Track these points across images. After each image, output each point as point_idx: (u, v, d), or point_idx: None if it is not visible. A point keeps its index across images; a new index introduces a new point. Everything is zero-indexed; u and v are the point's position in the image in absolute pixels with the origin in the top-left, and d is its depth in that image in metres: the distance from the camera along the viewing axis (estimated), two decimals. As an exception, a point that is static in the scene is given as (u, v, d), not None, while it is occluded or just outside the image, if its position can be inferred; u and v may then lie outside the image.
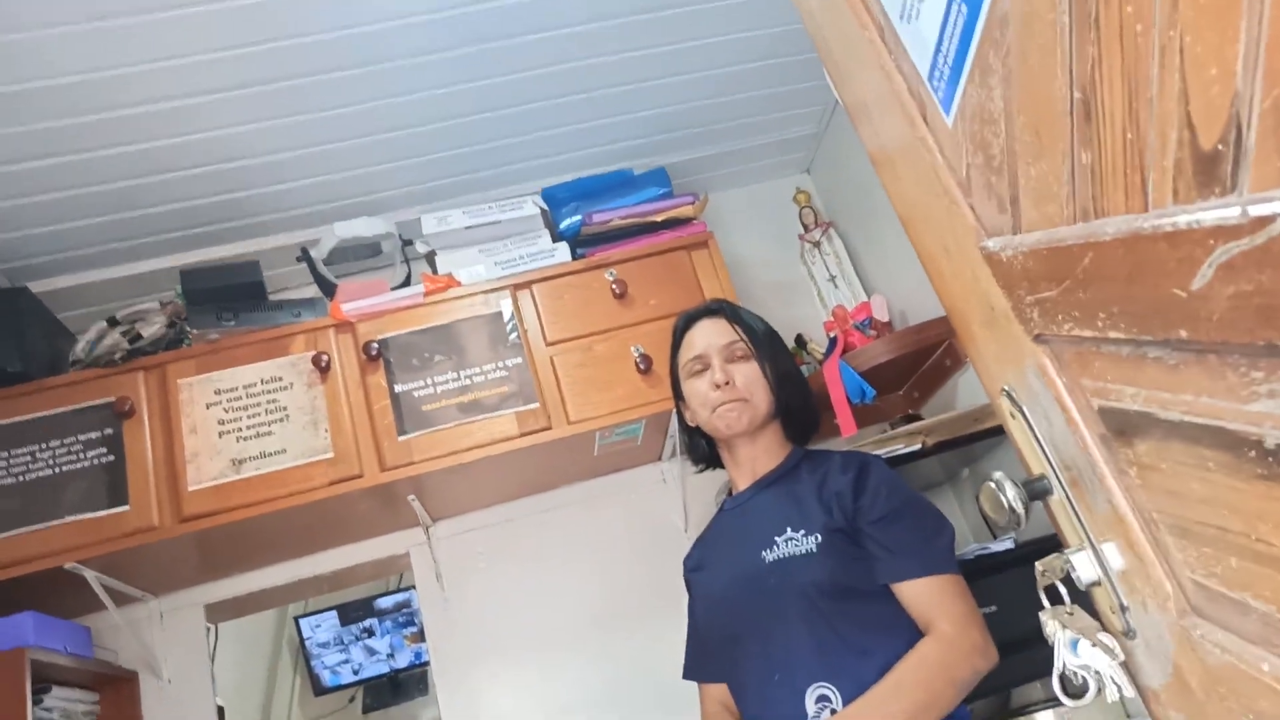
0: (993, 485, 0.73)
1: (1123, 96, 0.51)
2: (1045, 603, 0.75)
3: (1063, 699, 0.71)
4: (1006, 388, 0.79)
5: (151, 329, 2.15)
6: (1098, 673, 0.69)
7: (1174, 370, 0.55)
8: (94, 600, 2.04)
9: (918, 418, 2.32)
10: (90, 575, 1.96)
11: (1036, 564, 0.73)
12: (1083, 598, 0.75)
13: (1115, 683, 0.69)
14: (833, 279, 2.63)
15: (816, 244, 2.69)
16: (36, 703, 1.84)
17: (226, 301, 2.18)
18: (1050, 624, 0.73)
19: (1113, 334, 0.59)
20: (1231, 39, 0.42)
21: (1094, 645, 0.70)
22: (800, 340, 2.53)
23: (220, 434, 2.02)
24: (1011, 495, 0.72)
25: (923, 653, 1.30)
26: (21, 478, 1.97)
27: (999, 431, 1.89)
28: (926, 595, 1.34)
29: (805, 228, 2.73)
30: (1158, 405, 0.57)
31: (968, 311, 0.82)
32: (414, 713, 4.41)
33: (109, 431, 2.02)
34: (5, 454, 1.99)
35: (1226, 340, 0.48)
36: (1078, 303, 0.61)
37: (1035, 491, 0.75)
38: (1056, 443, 0.73)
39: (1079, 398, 0.68)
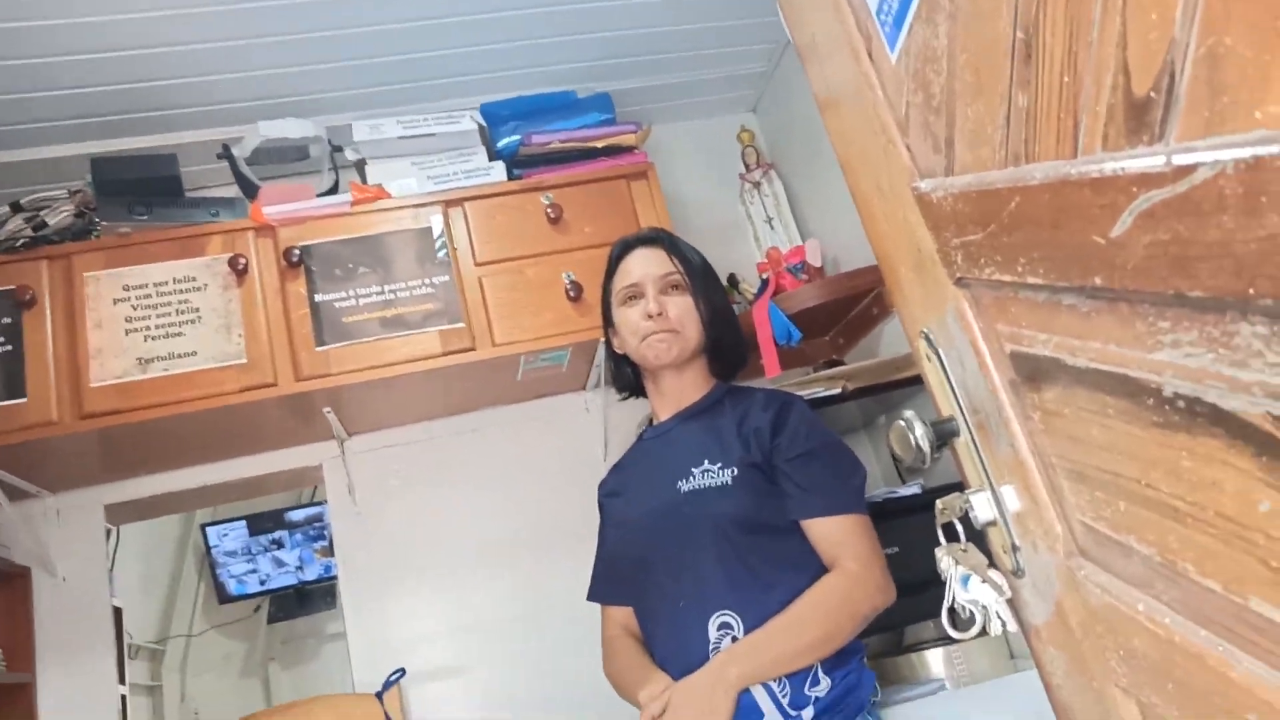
0: (902, 424, 0.74)
1: (1064, 38, 0.51)
2: (942, 539, 0.78)
3: (950, 631, 0.73)
4: (925, 330, 0.80)
5: (58, 217, 2.04)
6: (984, 608, 0.72)
7: (1086, 318, 0.56)
8: (-13, 495, 1.97)
9: (841, 363, 2.36)
10: (-17, 468, 1.89)
11: (937, 502, 0.75)
12: (978, 537, 0.78)
13: (1000, 618, 0.71)
14: (769, 221, 2.63)
15: (756, 185, 2.68)
16: (-80, 594, 1.79)
17: (140, 194, 2.08)
18: (944, 559, 0.76)
19: (1031, 279, 0.59)
20: (1175, -17, 0.42)
21: (983, 581, 0.72)
22: (733, 279, 2.54)
23: (127, 331, 1.94)
24: (919, 434, 0.73)
25: (826, 586, 1.34)
26: (-90, 362, 1.87)
27: (918, 381, 1.94)
28: (835, 533, 1.38)
29: (747, 167, 2.72)
30: (1067, 352, 0.59)
31: (896, 254, 0.83)
32: (320, 625, 4.42)
33: (7, 321, 1.93)
34: (-107, 336, 1.89)
35: (1139, 289, 0.49)
36: (1001, 247, 0.62)
37: (943, 433, 0.77)
38: (968, 386, 0.75)
39: (993, 342, 0.69)
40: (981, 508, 0.74)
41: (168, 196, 2.11)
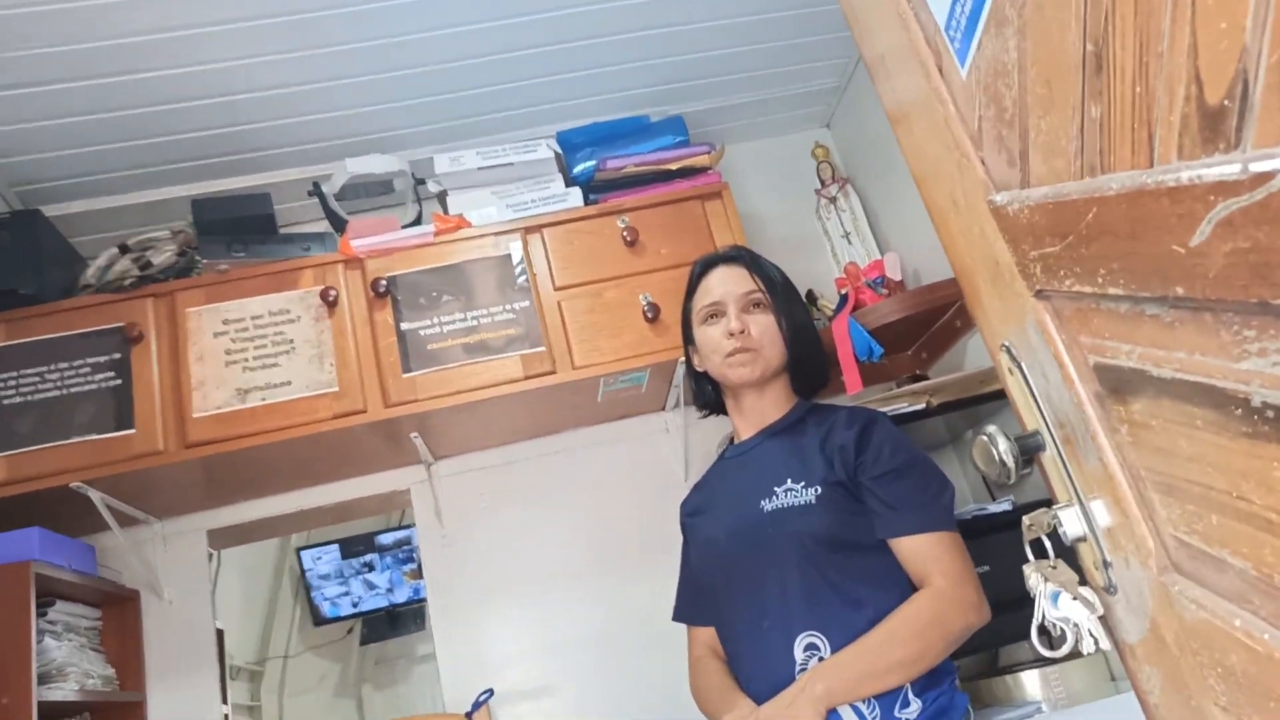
0: (985, 439, 0.73)
1: (1134, 50, 0.51)
2: (1030, 555, 0.76)
3: (1041, 650, 0.72)
4: (1007, 343, 0.79)
5: (162, 257, 2.16)
6: (1076, 625, 0.71)
7: (1169, 328, 0.55)
8: (99, 520, 2.08)
9: (924, 378, 2.32)
10: (95, 496, 2.00)
11: (1024, 518, 0.74)
12: (1068, 553, 0.77)
13: (1092, 636, 0.70)
14: (847, 235, 2.62)
15: (833, 200, 2.67)
16: (41, 614, 1.88)
17: (237, 233, 2.18)
18: (1033, 576, 0.75)
19: (1112, 290, 0.59)
20: (1244, -9, 0.41)
21: (1074, 599, 0.71)
22: (811, 296, 2.53)
23: (227, 363, 2.04)
24: (1003, 449, 0.72)
25: (917, 605, 1.32)
26: (30, 397, 2.00)
27: (1004, 394, 1.91)
28: (924, 551, 1.35)
29: (822, 183, 2.71)
30: (1152, 363, 0.58)
31: (974, 267, 0.82)
32: (410, 646, 4.50)
33: (117, 356, 2.04)
34: (15, 374, 2.01)
35: (1221, 298, 0.48)
36: (1080, 258, 0.61)
37: (1028, 447, 0.76)
38: (1052, 399, 0.74)
39: (1076, 354, 0.68)
40: (1071, 523, 0.73)
41: (263, 234, 2.21)
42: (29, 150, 2.13)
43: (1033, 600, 0.78)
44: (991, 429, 0.73)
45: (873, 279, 2.32)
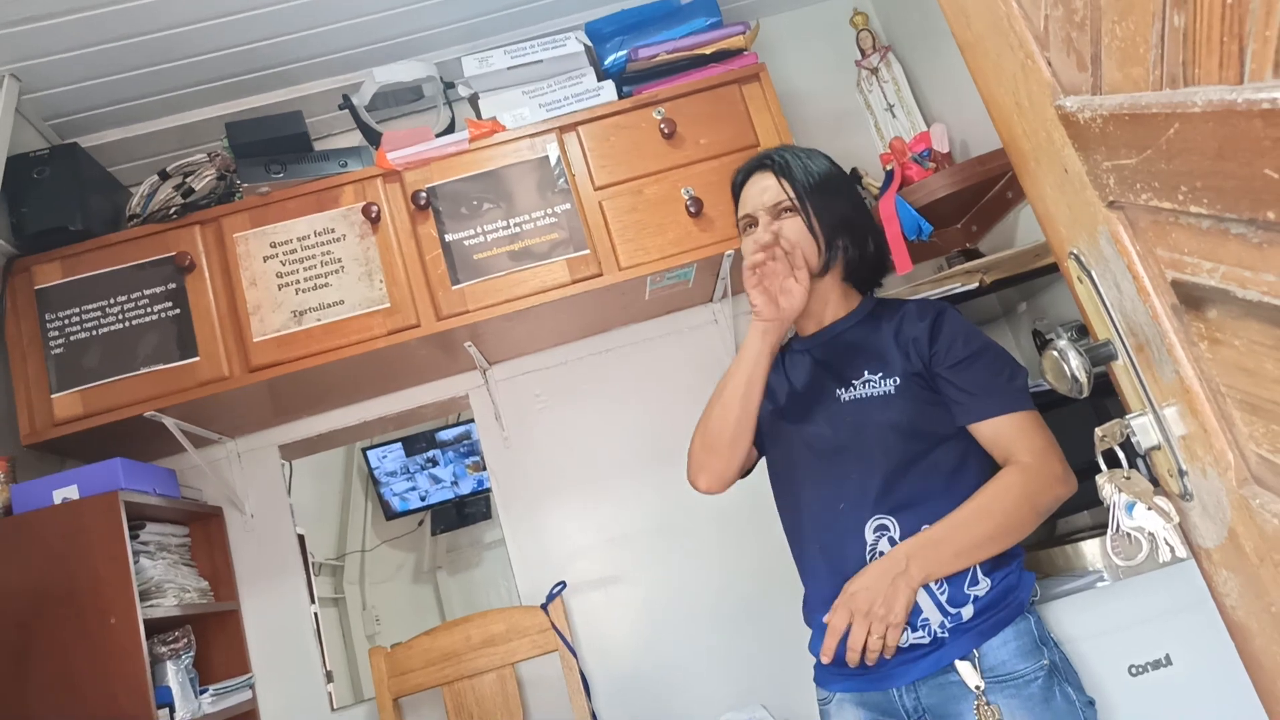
0: (1055, 354, 0.72)
1: (1226, -43, 0.47)
2: (1103, 466, 0.76)
3: (1115, 559, 0.73)
4: (1075, 251, 0.77)
5: (203, 181, 2.16)
6: (1151, 534, 0.71)
7: (1258, 249, 0.53)
8: (175, 444, 2.17)
9: (976, 252, 2.27)
10: (170, 422, 2.07)
11: (1096, 430, 0.74)
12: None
13: (1168, 544, 0.70)
14: (890, 108, 2.53)
15: (874, 70, 2.56)
16: (133, 537, 1.98)
17: (273, 153, 2.16)
18: (1107, 487, 0.74)
19: (1194, 208, 0.56)
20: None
21: (1149, 508, 0.71)
22: (856, 174, 2.46)
23: (279, 286, 2.06)
24: (1075, 365, 0.71)
25: (1006, 480, 1.34)
26: (95, 332, 2.05)
27: (1057, 268, 1.86)
28: (1007, 431, 1.37)
29: (862, 53, 2.59)
30: (1236, 283, 0.56)
31: (1039, 172, 0.79)
32: (479, 534, 4.66)
33: (172, 286, 2.08)
34: (77, 310, 2.06)
35: (1320, 227, 0.46)
36: (1159, 173, 0.59)
37: (1099, 357, 0.75)
38: (1125, 310, 0.72)
39: (1152, 267, 0.66)
40: (1145, 432, 0.72)
41: (298, 152, 2.19)
42: (60, 82, 2.12)
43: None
44: (1061, 344, 0.72)
45: (919, 152, 2.24)
